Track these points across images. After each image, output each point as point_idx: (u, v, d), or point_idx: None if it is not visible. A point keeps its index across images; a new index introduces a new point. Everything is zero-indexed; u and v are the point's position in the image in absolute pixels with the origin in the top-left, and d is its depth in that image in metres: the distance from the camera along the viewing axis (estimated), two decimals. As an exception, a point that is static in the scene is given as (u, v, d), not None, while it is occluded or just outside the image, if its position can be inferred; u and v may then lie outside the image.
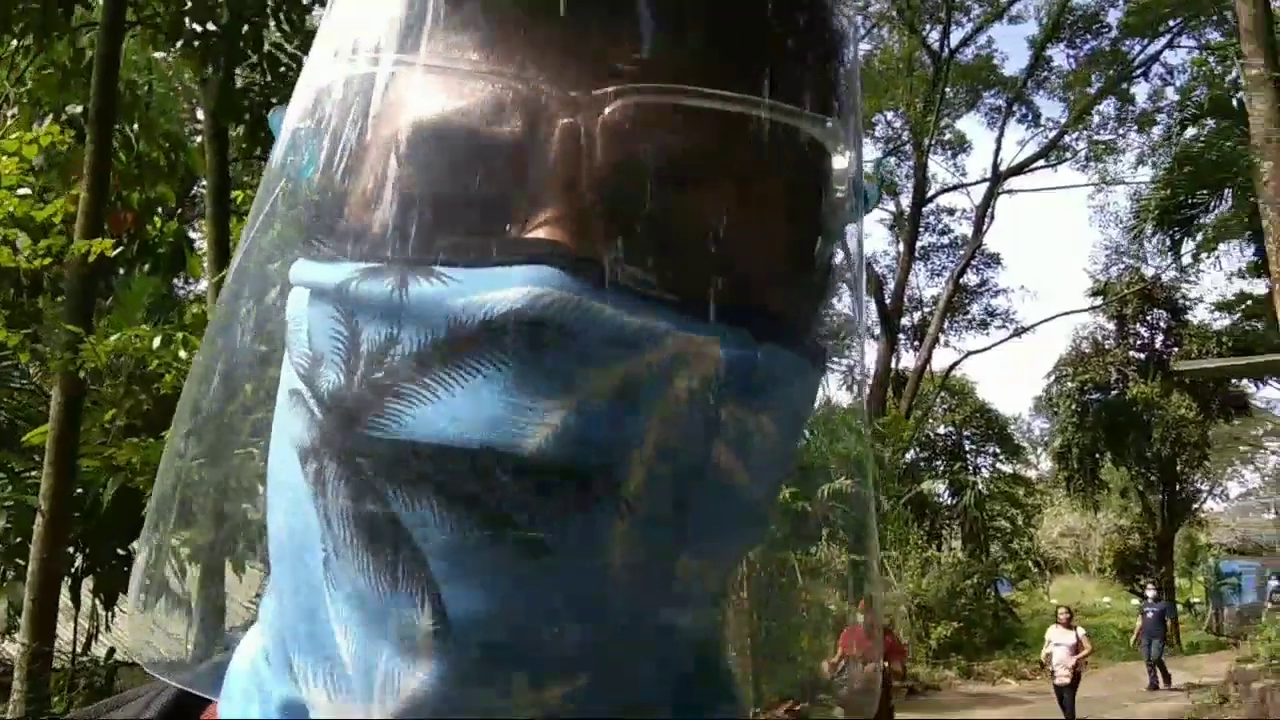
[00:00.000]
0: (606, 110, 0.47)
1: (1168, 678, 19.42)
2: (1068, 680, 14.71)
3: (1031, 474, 39.43)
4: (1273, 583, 24.81)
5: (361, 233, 0.50)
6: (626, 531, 0.45)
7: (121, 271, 8.63)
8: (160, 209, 8.43)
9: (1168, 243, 22.68)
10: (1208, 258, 25.38)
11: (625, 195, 0.48)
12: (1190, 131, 22.01)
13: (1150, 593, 22.76)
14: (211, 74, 7.02)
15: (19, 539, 6.85)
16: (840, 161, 0.55)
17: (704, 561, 0.50)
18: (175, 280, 11.04)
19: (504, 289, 0.44)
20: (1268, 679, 12.67)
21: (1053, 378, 33.20)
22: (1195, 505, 35.23)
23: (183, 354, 6.27)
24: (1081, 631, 15.60)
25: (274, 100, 7.34)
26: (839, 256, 0.59)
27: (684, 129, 0.49)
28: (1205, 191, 20.44)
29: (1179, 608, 31.65)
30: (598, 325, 0.44)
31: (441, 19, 0.50)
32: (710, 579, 0.52)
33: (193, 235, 10.62)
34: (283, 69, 7.13)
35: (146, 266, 8.38)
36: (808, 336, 0.55)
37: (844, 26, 0.57)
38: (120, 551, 6.99)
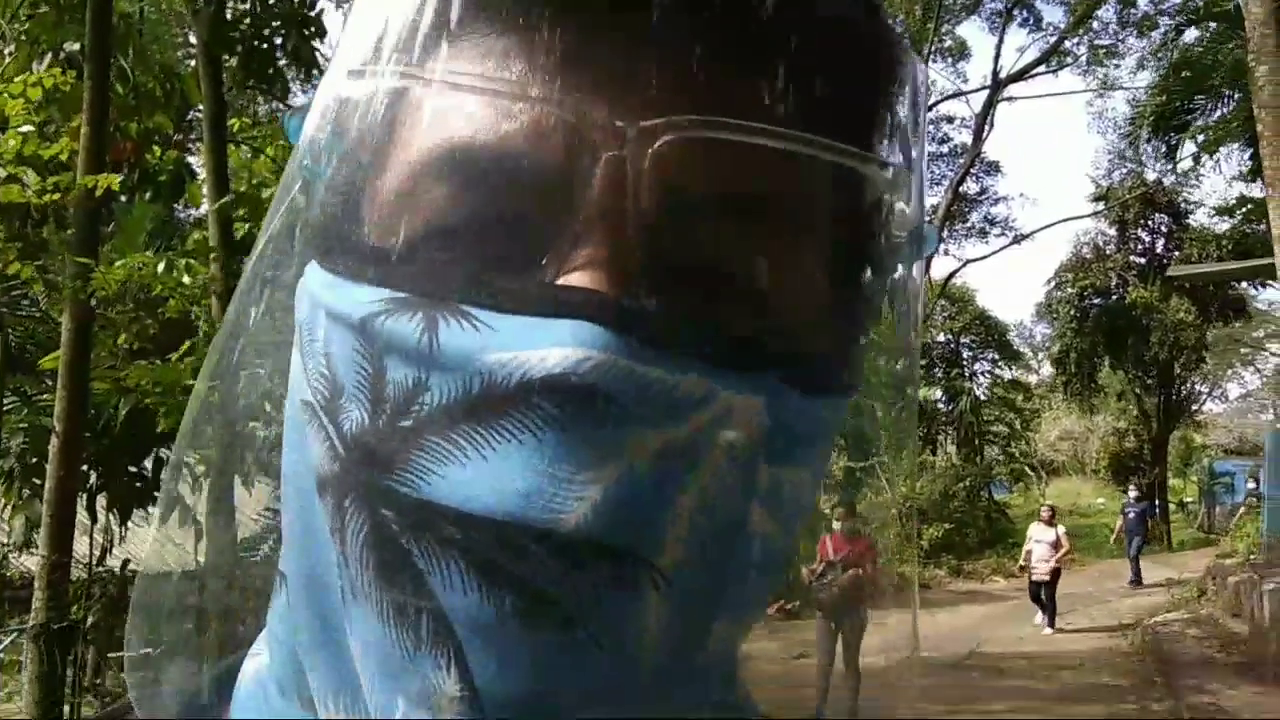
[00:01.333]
0: (655, 144, 0.44)
1: (1139, 577, 19.92)
2: (1046, 577, 14.88)
3: (1032, 379, 39.83)
4: (1249, 484, 25.24)
5: (383, 255, 0.47)
6: (662, 604, 0.43)
7: (124, 199, 8.86)
8: (158, 137, 8.62)
9: (1163, 148, 22.71)
10: (1209, 160, 25.34)
11: (673, 238, 0.45)
12: (1192, 34, 21.92)
13: (1132, 493, 23.25)
14: (203, 5, 7.17)
15: (35, 459, 7.17)
16: (901, 207, 0.52)
17: (737, 622, 0.49)
18: (175, 205, 11.24)
19: (543, 348, 0.41)
20: (1243, 573, 13.06)
21: (1053, 283, 33.34)
22: (1195, 407, 35.60)
23: (186, 279, 6.57)
24: (1062, 529, 15.77)
25: (265, 30, 7.51)
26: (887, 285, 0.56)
27: (738, 168, 0.46)
28: (1201, 96, 20.45)
29: (1172, 507, 32.30)
30: (641, 390, 0.42)
31: (476, 34, 0.47)
32: (741, 634, 0.50)
33: (191, 159, 10.81)
34: (273, 1, 7.29)
35: (148, 194, 8.61)
36: (850, 372, 0.53)
37: (911, 67, 0.54)
38: (132, 469, 7.32)
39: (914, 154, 0.54)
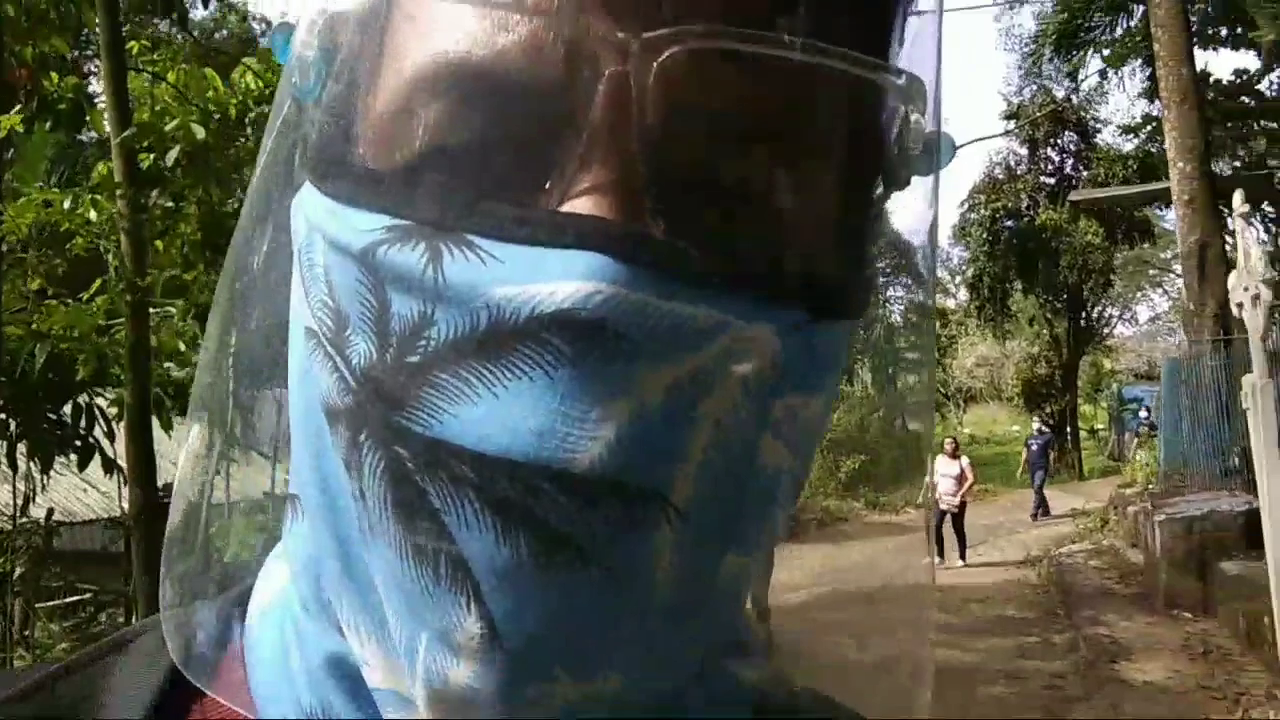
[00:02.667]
0: (660, 58, 0.42)
1: (1045, 509, 20.21)
2: (954, 510, 14.72)
3: (950, 303, 40.38)
4: (1142, 414, 25.99)
5: (379, 178, 0.45)
6: (676, 539, 0.42)
7: (22, 129, 8.55)
8: (55, 60, 8.30)
9: (1066, 68, 22.84)
10: (1115, 76, 25.55)
11: (681, 158, 0.43)
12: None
13: (1035, 425, 23.81)
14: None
15: (-53, 409, 6.96)
16: (916, 117, 0.50)
17: (748, 553, 0.48)
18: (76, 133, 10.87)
19: (553, 281, 0.40)
20: (1141, 503, 13.33)
21: (967, 205, 33.63)
22: (1106, 330, 36.43)
23: (92, 215, 6.40)
24: (966, 461, 15.66)
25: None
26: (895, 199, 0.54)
27: (749, 81, 0.43)
28: (1101, 14, 20.56)
29: (1084, 434, 33.19)
30: (653, 323, 0.40)
31: None
32: (752, 564, 0.49)
33: (92, 79, 10.39)
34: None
35: (48, 124, 8.31)
36: (861, 294, 0.51)
37: None
38: (52, 416, 7.13)
39: (929, 60, 0.51)
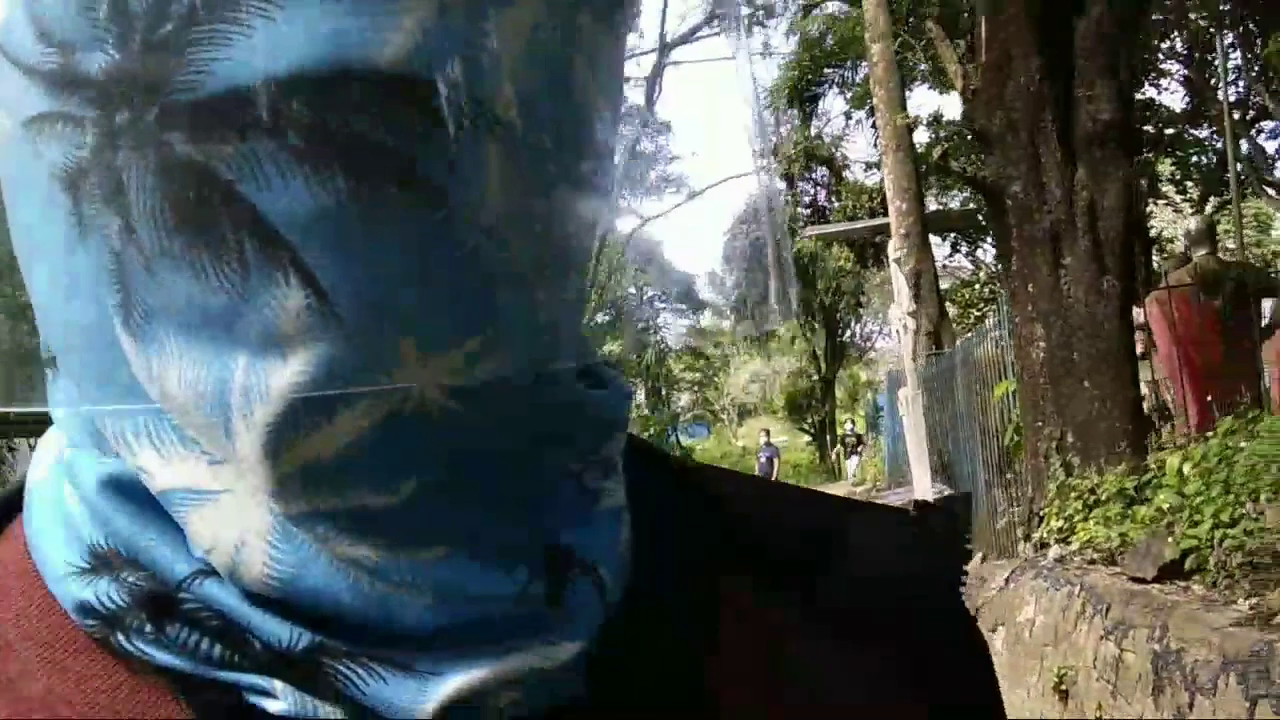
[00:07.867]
0: None
1: None
2: None
3: (726, 324, 42.41)
4: (849, 425, 28.27)
5: None
6: (503, 155, 0.36)
7: None
8: None
9: (800, 117, 24.79)
10: (856, 121, 27.68)
11: None
12: (831, 6, 23.97)
13: (762, 438, 25.79)
14: None
15: None
16: None
17: (578, 196, 0.40)
18: None
19: None
20: (868, 496, 15.21)
21: (731, 234, 35.66)
22: (867, 345, 38.97)
23: None
24: None
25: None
26: None
27: None
28: (830, 69, 22.49)
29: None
30: None
31: None
32: (584, 227, 0.41)
33: None
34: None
35: None
36: None
37: None
38: None
39: None
